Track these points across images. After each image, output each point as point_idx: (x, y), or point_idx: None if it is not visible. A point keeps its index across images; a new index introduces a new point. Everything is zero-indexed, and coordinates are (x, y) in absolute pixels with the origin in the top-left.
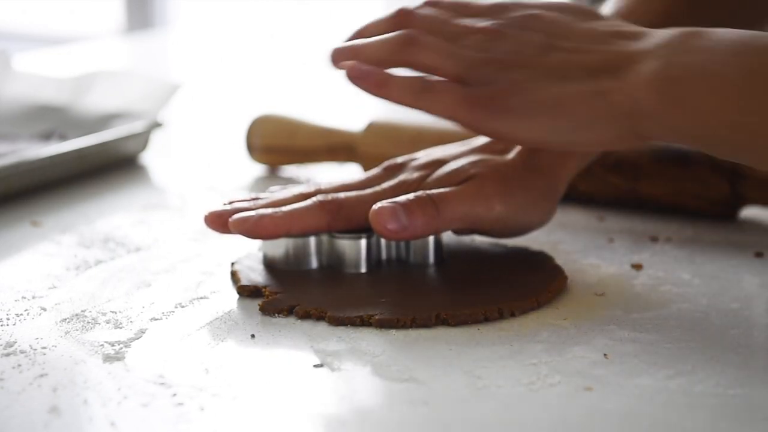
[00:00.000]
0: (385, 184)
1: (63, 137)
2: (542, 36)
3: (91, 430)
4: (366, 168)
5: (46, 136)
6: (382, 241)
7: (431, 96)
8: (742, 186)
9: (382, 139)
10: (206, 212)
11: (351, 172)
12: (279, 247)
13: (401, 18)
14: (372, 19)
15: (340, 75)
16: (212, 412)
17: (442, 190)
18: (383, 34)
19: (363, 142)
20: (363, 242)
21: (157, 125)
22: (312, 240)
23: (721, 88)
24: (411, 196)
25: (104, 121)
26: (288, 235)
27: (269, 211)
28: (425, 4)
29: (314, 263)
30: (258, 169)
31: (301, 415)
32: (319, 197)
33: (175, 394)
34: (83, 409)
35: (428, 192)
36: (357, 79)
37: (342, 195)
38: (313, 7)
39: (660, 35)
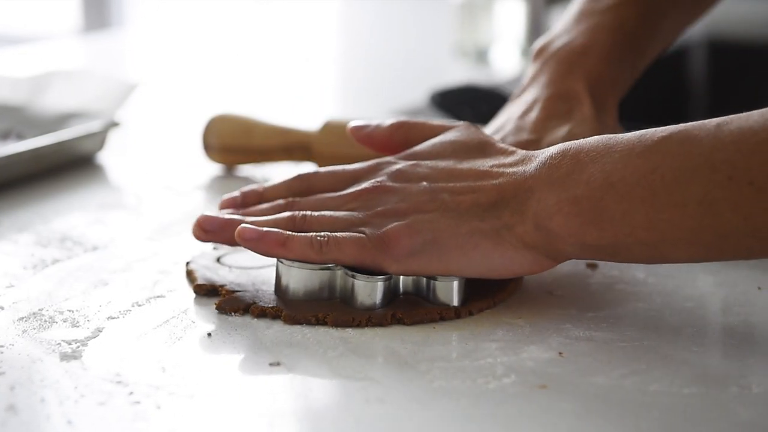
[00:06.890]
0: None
1: (20, 137)
2: (425, 183)
3: (48, 428)
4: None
5: (4, 136)
6: (400, 280)
7: (335, 248)
8: None
9: (338, 139)
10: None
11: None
12: (308, 279)
13: (288, 206)
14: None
15: (296, 74)
16: (169, 411)
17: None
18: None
19: (319, 142)
20: (380, 284)
21: (114, 125)
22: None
23: (627, 193)
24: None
25: (61, 120)
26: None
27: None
28: (296, 179)
29: (327, 294)
30: (214, 169)
31: (258, 413)
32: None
33: (131, 393)
34: (40, 408)
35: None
36: (254, 241)
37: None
38: (270, 7)
39: (541, 157)
